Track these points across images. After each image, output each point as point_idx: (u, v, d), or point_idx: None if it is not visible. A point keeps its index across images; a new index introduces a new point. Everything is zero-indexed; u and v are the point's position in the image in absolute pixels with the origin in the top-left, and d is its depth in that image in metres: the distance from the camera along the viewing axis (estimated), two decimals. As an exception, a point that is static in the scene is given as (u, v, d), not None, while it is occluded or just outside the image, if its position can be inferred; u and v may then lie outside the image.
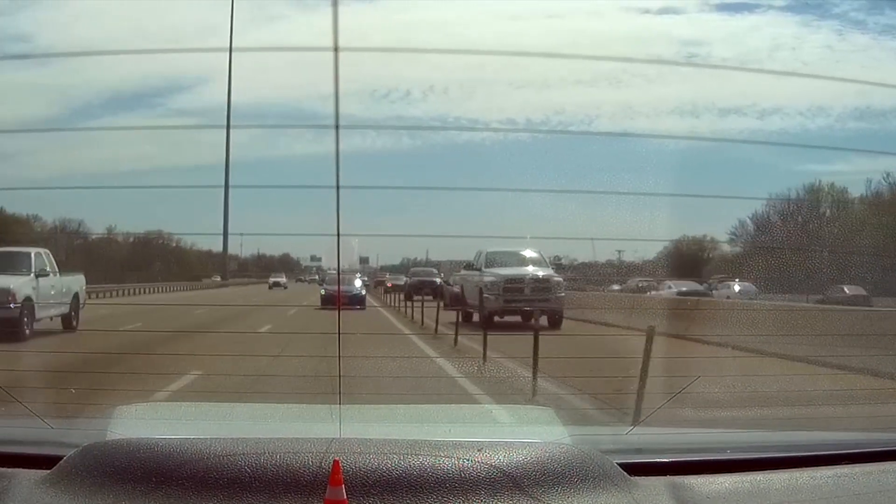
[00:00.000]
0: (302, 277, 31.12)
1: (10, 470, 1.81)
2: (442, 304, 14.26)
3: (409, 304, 15.85)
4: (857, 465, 2.04)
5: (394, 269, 27.53)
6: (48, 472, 1.74)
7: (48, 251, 13.55)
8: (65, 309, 13.20)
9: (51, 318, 12.95)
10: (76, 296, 13.68)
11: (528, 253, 14.79)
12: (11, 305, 11.61)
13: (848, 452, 2.12)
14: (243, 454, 1.68)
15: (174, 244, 27.32)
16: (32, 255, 13.00)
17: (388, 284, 23.76)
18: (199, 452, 1.69)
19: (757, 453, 2.13)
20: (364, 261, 27.87)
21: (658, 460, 2.00)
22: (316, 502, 1.58)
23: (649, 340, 6.23)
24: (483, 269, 14.54)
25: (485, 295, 13.48)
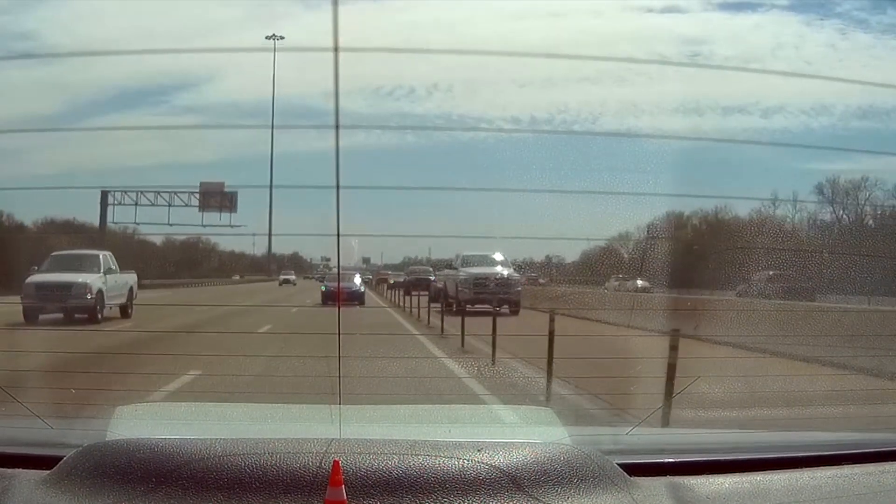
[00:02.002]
0: (309, 275, 32.02)
1: (10, 470, 1.81)
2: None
3: (407, 298, 18.77)
4: (858, 465, 2.04)
5: (396, 268, 28.69)
6: (48, 472, 1.74)
7: (111, 253, 16.58)
8: (123, 300, 16.40)
9: (109, 308, 15.86)
10: (131, 289, 16.85)
11: (496, 256, 18.34)
12: (88, 296, 14.92)
13: (848, 453, 2.11)
14: (243, 454, 1.68)
15: (212, 246, 29.51)
16: (101, 256, 16.16)
17: (390, 281, 26.15)
18: (199, 453, 1.69)
19: (757, 453, 2.13)
20: (366, 261, 28.99)
21: (658, 460, 2.00)
22: (316, 503, 1.58)
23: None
24: (459, 268, 18.08)
25: (459, 289, 17.17)
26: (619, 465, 1.82)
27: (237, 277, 31.49)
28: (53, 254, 16.44)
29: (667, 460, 2.00)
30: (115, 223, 20.74)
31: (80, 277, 15.13)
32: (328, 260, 28.08)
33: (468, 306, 15.06)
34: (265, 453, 1.67)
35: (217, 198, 17.24)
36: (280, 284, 30.18)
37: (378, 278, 29.16)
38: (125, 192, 18.62)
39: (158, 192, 18.30)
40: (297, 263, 33.33)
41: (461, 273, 17.80)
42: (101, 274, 15.70)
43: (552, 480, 1.69)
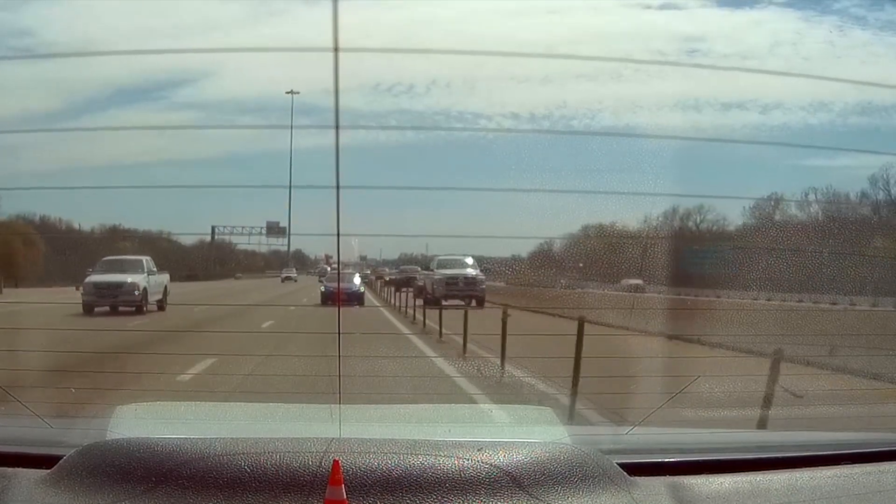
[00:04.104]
0: (311, 271, 33.16)
1: (10, 470, 1.81)
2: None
3: (398, 294, 22.37)
4: (857, 465, 2.04)
5: (393, 264, 30.61)
6: (48, 471, 1.74)
7: (150, 258, 19.83)
8: (160, 296, 19.54)
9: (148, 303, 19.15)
10: (165, 287, 20.09)
11: (467, 259, 21.76)
12: (136, 293, 18.30)
13: (848, 452, 2.11)
14: (243, 454, 1.68)
15: (232, 248, 32.83)
16: (144, 260, 19.40)
17: (386, 279, 28.78)
18: (199, 452, 1.69)
19: (757, 453, 2.13)
20: (363, 258, 30.36)
21: (658, 460, 2.00)
22: (316, 502, 1.58)
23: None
24: (435, 270, 21.62)
25: (435, 287, 20.81)
26: (618, 464, 1.82)
27: (240, 275, 32.63)
28: (104, 258, 19.69)
29: (667, 460, 2.00)
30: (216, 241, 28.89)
31: (129, 278, 18.49)
32: (330, 257, 29.32)
33: (443, 301, 18.64)
34: (265, 452, 1.67)
35: (275, 230, 26.91)
36: (282, 281, 31.53)
37: (376, 275, 30.33)
38: (224, 226, 27.14)
39: (243, 227, 27.39)
40: (300, 259, 34.42)
41: (436, 274, 21.39)
42: (145, 275, 18.95)
43: (552, 480, 1.69)
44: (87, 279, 18.41)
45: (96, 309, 17.65)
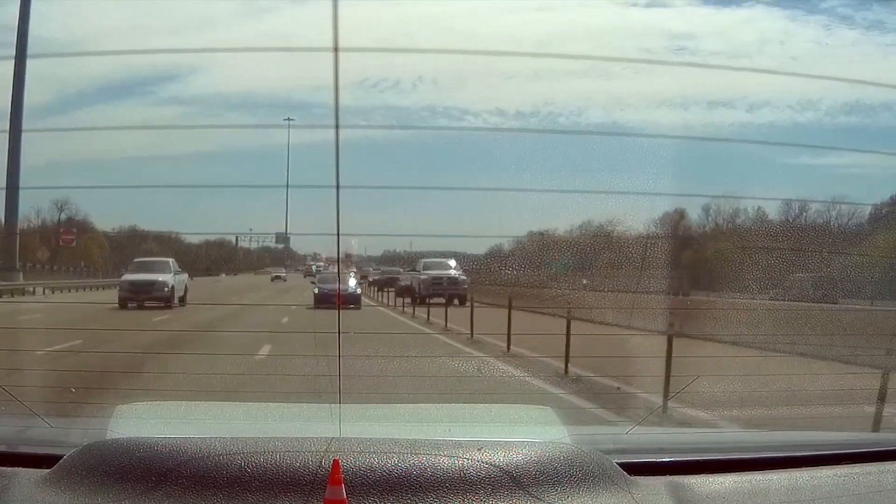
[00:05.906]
0: (298, 269, 34.18)
1: (10, 469, 1.81)
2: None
3: (380, 294, 25.43)
4: (857, 465, 2.04)
5: (377, 261, 32.15)
6: (48, 471, 1.74)
7: (174, 260, 22.20)
8: (182, 292, 21.62)
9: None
10: (185, 285, 22.27)
11: (450, 262, 24.11)
12: (165, 290, 20.51)
13: (848, 452, 2.12)
14: (243, 453, 1.68)
15: (233, 247, 35.19)
16: (170, 262, 21.70)
17: (371, 279, 30.49)
18: (199, 451, 1.69)
19: (757, 453, 2.13)
20: (348, 256, 31.05)
21: (658, 460, 2.00)
22: (316, 502, 1.58)
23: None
24: (421, 271, 23.83)
25: (421, 286, 23.02)
26: (618, 464, 1.82)
27: (223, 276, 33.42)
28: (136, 260, 22.31)
29: (666, 459, 2.00)
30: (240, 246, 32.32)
31: (159, 277, 20.83)
32: (318, 255, 30.77)
33: (427, 299, 20.84)
34: (265, 452, 1.68)
35: (282, 238, 30.66)
36: (272, 280, 32.98)
37: (360, 275, 31.22)
38: (244, 234, 30.04)
39: (257, 234, 30.67)
40: (290, 256, 35.34)
41: (422, 275, 23.56)
42: (172, 274, 21.16)
43: (552, 479, 1.69)
44: (123, 278, 21.05)
45: (129, 304, 20.09)
